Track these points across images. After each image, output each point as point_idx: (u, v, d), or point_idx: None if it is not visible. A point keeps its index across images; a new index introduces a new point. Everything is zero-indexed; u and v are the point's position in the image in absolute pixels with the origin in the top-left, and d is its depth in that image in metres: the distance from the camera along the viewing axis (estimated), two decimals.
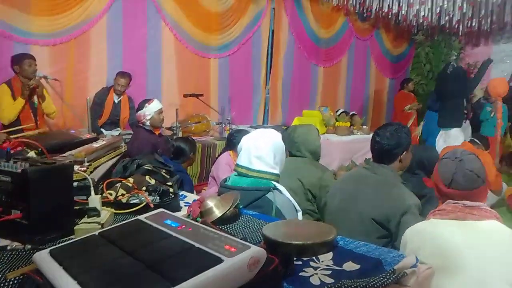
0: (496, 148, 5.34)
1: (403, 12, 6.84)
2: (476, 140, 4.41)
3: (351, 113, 6.23)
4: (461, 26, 7.31)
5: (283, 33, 6.13)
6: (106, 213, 1.29)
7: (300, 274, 0.98)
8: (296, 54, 6.38)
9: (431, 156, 3.16)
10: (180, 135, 4.23)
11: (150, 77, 4.86)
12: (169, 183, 1.66)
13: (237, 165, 1.69)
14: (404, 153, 2.02)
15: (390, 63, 8.27)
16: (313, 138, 2.60)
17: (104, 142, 2.06)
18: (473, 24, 7.18)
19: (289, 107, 6.42)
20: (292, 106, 6.44)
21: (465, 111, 6.17)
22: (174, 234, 0.94)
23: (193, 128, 4.69)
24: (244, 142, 1.69)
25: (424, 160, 3.04)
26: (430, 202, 2.95)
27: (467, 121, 6.41)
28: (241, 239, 0.92)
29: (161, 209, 1.15)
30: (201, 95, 4.82)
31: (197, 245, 0.86)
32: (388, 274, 0.98)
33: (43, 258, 0.87)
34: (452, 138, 5.66)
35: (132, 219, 1.10)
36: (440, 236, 1.45)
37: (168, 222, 1.03)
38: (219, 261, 0.78)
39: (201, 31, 5.13)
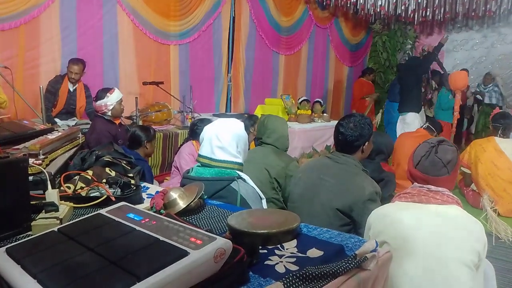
0: (451, 136, 5.62)
1: (361, 1, 6.98)
2: (431, 127, 4.61)
3: (316, 100, 6.32)
4: (416, 16, 7.56)
5: (244, 21, 6.09)
6: (64, 208, 1.25)
7: (266, 262, 1.00)
8: (257, 41, 6.36)
9: (387, 142, 3.29)
10: (140, 124, 4.13)
11: (107, 64, 4.69)
12: (131, 175, 1.62)
13: (200, 155, 1.67)
14: (366, 143, 2.08)
15: (349, 52, 8.44)
16: (284, 130, 2.66)
17: (60, 133, 1.98)
18: (427, 14, 7.44)
19: (251, 95, 6.42)
20: (255, 94, 6.44)
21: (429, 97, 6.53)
22: (137, 228, 0.92)
23: (153, 117, 4.59)
24: (206, 133, 1.68)
25: (382, 146, 3.17)
26: (388, 185, 3.08)
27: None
28: (206, 230, 0.92)
29: (123, 202, 1.12)
30: (161, 83, 4.72)
31: (161, 238, 0.85)
32: (350, 259, 1.02)
33: None
34: (409, 122, 5.94)
35: (93, 213, 1.07)
36: (402, 220, 1.50)
37: (131, 215, 1.01)
38: (185, 254, 0.77)
39: (160, 17, 4.99)
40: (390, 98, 7.10)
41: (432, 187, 1.53)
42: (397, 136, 5.99)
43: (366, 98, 7.48)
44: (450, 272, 1.41)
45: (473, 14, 7.63)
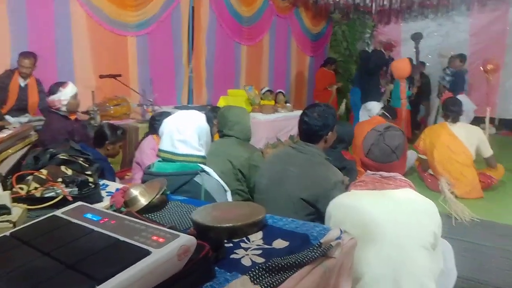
0: (401, 123, 5.81)
1: None
2: (386, 113, 4.75)
3: (278, 91, 6.34)
4: (374, 5, 7.71)
5: (203, 11, 5.98)
6: (17, 211, 1.18)
7: (232, 256, 0.99)
8: (218, 32, 6.27)
9: (348, 131, 3.36)
10: (98, 119, 3.99)
11: (60, 57, 4.47)
12: (88, 173, 1.55)
13: (160, 150, 1.63)
14: (330, 133, 2.10)
15: (310, 41, 8.50)
16: (246, 120, 2.63)
17: (11, 131, 1.88)
18: (385, 3, 7.61)
19: (214, 87, 6.34)
20: (217, 85, 6.36)
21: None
22: (96, 229, 0.88)
23: (112, 112, 4.44)
24: (166, 126, 1.63)
25: (343, 134, 3.22)
26: (350, 173, 3.15)
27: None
28: (169, 227, 0.90)
29: (80, 202, 1.07)
30: (119, 75, 4.56)
31: (122, 238, 0.82)
32: (315, 248, 1.02)
33: None
34: (370, 109, 6.11)
35: (48, 215, 1.02)
36: (360, 207, 1.54)
37: (89, 216, 0.97)
38: (147, 253, 0.75)
39: (116, 7, 4.80)
40: (356, 84, 7.29)
41: (384, 173, 1.57)
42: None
43: (329, 88, 7.59)
44: (409, 255, 1.46)
45: (428, 2, 7.87)
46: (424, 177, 4.41)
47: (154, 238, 0.80)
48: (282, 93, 6.30)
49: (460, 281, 2.31)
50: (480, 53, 7.93)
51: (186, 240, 0.78)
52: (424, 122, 7.59)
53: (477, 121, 6.43)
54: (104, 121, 3.50)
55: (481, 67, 5.62)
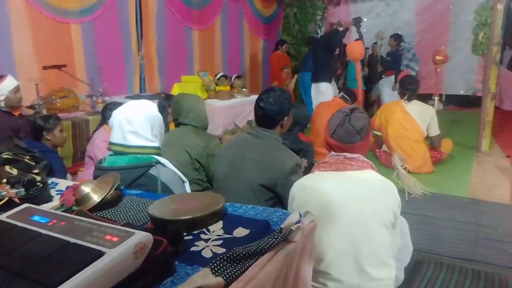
0: (359, 104, 5.96)
1: None
2: (345, 96, 4.84)
3: (234, 76, 6.27)
4: None
5: None
6: None
7: (192, 249, 0.96)
8: (168, 17, 6.08)
9: (303, 113, 3.40)
10: (44, 113, 3.78)
11: None
12: (36, 171, 1.46)
13: (111, 143, 1.55)
14: (286, 118, 2.11)
15: (263, 24, 8.45)
16: (201, 107, 2.55)
17: None
18: None
19: (166, 74, 6.17)
20: (170, 72, 6.20)
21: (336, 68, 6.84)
22: (44, 232, 0.83)
23: (59, 104, 4.20)
24: (116, 117, 1.56)
25: (297, 117, 3.25)
26: (307, 154, 3.19)
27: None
28: (123, 225, 0.86)
29: (26, 204, 1.01)
30: (64, 66, 4.32)
31: (73, 240, 0.78)
32: (276, 234, 1.02)
33: None
34: (322, 91, 6.22)
35: None
36: (322, 189, 1.56)
37: (36, 218, 0.91)
38: (100, 254, 0.71)
39: None
40: (304, 68, 7.36)
41: (348, 155, 1.60)
42: (313, 104, 6.28)
43: (284, 70, 7.62)
44: (369, 233, 1.51)
45: None
46: (378, 154, 4.56)
47: (108, 237, 0.76)
48: (238, 77, 6.25)
49: (416, 254, 2.44)
50: (426, 31, 8.26)
51: (141, 237, 0.75)
52: (378, 101, 7.81)
53: (425, 98, 6.72)
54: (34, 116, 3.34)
55: (431, 60, 5.81)
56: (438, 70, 5.75)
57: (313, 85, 6.56)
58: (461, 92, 8.45)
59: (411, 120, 4.22)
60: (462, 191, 3.71)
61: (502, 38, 4.90)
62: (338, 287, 1.53)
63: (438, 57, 5.60)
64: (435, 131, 4.27)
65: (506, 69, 7.55)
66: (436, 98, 5.63)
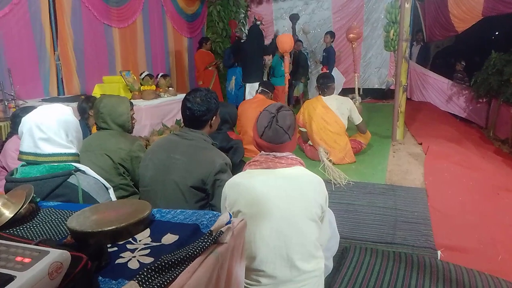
0: (284, 98, 6.11)
1: None
2: (265, 89, 4.93)
3: (160, 75, 6.09)
4: None
5: None
6: None
7: (117, 261, 0.92)
8: (84, 14, 5.73)
9: (231, 112, 3.40)
10: None
11: None
12: None
13: (22, 152, 1.41)
14: (214, 118, 2.09)
15: (186, 22, 8.32)
16: (121, 110, 2.37)
17: None
18: None
19: (86, 74, 5.82)
20: (90, 72, 5.86)
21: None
22: None
23: None
24: (24, 124, 1.41)
25: (226, 115, 3.26)
26: (238, 151, 3.21)
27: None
28: (38, 242, 0.79)
29: None
30: None
31: None
32: (206, 237, 1.01)
33: None
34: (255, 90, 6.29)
35: None
36: (252, 186, 1.57)
37: None
38: (10, 279, 0.65)
39: None
40: (226, 64, 7.53)
41: (278, 154, 1.64)
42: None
43: (209, 68, 7.57)
44: (299, 229, 1.55)
45: None
46: (304, 147, 4.71)
47: (18, 259, 0.69)
48: (164, 76, 6.08)
49: (343, 241, 2.56)
50: (343, 29, 8.68)
51: (57, 256, 0.70)
52: (302, 97, 8.06)
53: (346, 92, 7.09)
54: None
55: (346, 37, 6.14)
56: (354, 46, 6.07)
57: (247, 85, 6.64)
58: (376, 86, 9.04)
59: (332, 114, 4.41)
60: (381, 178, 3.94)
61: (410, 34, 5.30)
62: (271, 283, 1.56)
63: (351, 35, 5.93)
64: (358, 119, 4.50)
65: (415, 63, 8.19)
66: (356, 89, 5.96)
